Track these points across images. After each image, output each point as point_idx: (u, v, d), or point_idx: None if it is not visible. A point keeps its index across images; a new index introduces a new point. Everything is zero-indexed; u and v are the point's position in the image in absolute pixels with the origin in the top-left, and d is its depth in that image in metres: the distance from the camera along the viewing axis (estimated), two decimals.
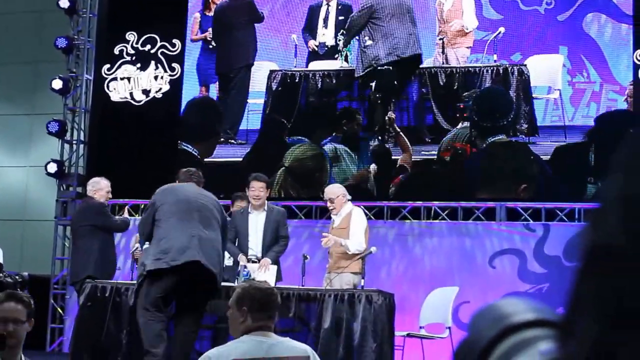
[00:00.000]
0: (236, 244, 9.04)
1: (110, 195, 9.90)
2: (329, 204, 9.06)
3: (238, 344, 4.27)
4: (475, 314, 0.77)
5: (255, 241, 9.07)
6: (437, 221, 11.13)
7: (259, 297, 4.33)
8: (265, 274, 8.53)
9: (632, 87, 10.84)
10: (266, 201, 9.17)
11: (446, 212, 11.12)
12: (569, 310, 0.61)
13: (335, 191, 9.10)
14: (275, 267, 8.74)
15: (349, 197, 9.17)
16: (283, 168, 11.75)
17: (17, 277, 8.94)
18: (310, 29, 12.14)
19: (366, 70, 11.74)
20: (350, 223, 8.92)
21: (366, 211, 11.30)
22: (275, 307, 4.39)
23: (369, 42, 11.77)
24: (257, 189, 9.08)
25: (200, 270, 7.45)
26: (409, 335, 9.10)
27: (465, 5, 11.60)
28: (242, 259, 8.78)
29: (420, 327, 9.37)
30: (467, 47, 11.57)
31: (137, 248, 9.00)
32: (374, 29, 11.76)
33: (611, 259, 0.57)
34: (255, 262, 8.77)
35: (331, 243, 8.77)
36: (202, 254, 7.45)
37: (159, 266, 7.41)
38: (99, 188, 9.85)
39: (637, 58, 10.80)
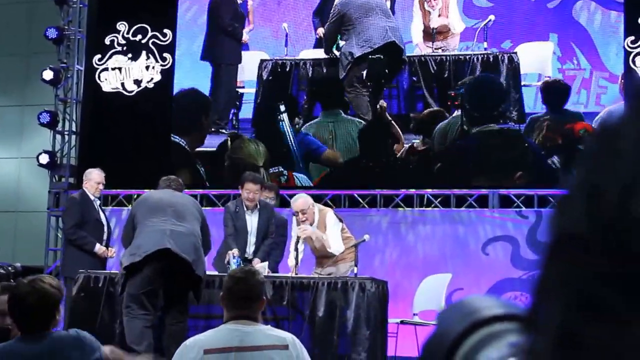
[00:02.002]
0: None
1: (101, 187, 9.87)
2: (300, 216, 8.94)
3: (214, 333, 4.25)
4: (443, 310, 0.78)
5: (250, 241, 9.13)
6: (430, 209, 11.14)
7: (231, 286, 4.29)
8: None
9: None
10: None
11: (439, 199, 11.12)
12: (534, 298, 0.61)
13: (304, 202, 9.02)
14: (266, 263, 8.80)
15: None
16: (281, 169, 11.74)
17: (9, 268, 8.92)
18: (321, 14, 12.06)
19: (347, 69, 11.74)
20: (326, 231, 8.96)
21: (359, 199, 11.33)
22: (250, 294, 4.28)
23: (342, 43, 11.79)
24: (252, 191, 9.05)
25: (174, 259, 7.53)
26: (402, 322, 9.13)
27: (451, 16, 11.59)
28: (234, 251, 8.86)
29: (414, 314, 9.41)
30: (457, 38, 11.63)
31: None
32: (347, 30, 11.75)
33: (575, 247, 0.57)
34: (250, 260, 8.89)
35: (309, 233, 8.82)
36: (174, 243, 7.56)
37: (133, 260, 7.55)
38: (88, 179, 9.85)
39: (628, 45, 10.82)
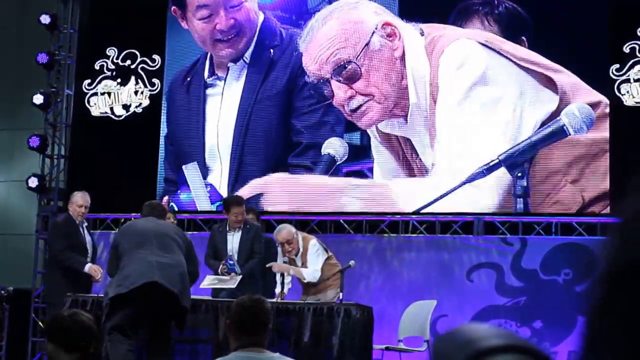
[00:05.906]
0: None
1: (84, 210, 9.63)
2: (286, 246, 9.01)
3: None
4: (439, 338, 0.76)
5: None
6: (415, 235, 11.16)
7: (244, 312, 4.24)
8: (226, 282, 8.89)
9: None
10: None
11: (424, 226, 11.15)
12: (590, 330, 0.59)
13: (289, 233, 9.07)
14: (239, 277, 8.91)
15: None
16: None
17: (2, 291, 8.97)
18: None
19: None
20: (307, 257, 9.03)
21: (345, 225, 11.36)
22: (263, 320, 4.24)
23: None
24: (239, 214, 9.19)
25: (161, 291, 7.53)
26: (387, 348, 9.17)
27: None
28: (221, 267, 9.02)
29: (399, 341, 9.44)
30: None
31: None
32: None
33: None
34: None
35: (276, 270, 8.93)
36: (161, 275, 7.54)
37: (119, 291, 7.54)
38: (72, 202, 9.65)
39: (613, 73, 10.77)
